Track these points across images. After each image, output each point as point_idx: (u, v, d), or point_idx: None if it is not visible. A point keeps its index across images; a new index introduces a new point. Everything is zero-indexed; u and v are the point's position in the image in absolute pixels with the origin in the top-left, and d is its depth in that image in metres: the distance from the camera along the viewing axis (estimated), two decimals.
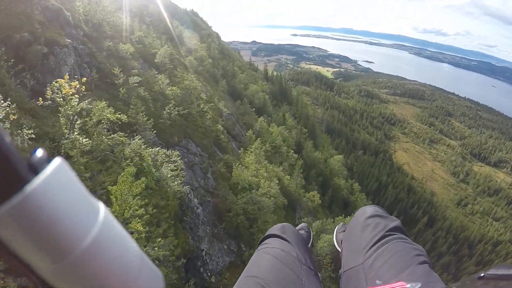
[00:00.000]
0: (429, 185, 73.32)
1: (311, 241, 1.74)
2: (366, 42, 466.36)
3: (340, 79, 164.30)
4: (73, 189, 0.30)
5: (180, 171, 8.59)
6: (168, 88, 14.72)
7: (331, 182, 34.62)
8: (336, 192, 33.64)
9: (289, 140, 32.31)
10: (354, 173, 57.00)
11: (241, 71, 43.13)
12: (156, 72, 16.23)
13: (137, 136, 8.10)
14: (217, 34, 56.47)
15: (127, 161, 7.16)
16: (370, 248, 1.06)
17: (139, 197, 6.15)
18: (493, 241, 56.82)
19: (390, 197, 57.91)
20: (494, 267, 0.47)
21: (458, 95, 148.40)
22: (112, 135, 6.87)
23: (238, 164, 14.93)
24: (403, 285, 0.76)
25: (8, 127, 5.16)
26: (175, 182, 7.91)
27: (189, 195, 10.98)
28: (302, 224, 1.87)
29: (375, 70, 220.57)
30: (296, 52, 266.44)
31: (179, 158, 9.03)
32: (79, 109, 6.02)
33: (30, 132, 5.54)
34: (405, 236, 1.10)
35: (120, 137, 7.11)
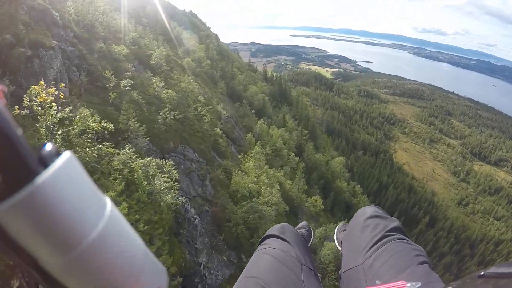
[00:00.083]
0: (429, 185, 72.97)
1: (311, 240, 1.72)
2: (365, 42, 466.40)
3: (339, 79, 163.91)
4: (81, 183, 0.30)
5: (174, 183, 7.93)
6: (164, 91, 14.06)
7: (332, 185, 34.04)
8: (338, 195, 33.06)
9: (290, 142, 31.68)
10: (355, 173, 56.57)
11: (240, 72, 42.52)
12: (152, 74, 15.58)
13: (127, 145, 7.44)
14: (216, 35, 55.88)
15: (116, 174, 6.52)
16: (370, 248, 1.05)
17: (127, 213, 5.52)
18: (495, 240, 56.62)
19: (391, 197, 57.49)
20: (494, 266, 0.47)
21: (457, 94, 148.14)
22: (98, 146, 6.22)
23: (238, 170, 14.27)
24: (403, 285, 0.76)
25: None
26: (169, 196, 7.27)
27: (185, 205, 10.34)
28: (303, 223, 1.85)
29: (375, 70, 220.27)
30: (295, 53, 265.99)
31: (173, 168, 8.37)
32: (58, 118, 5.39)
33: None
34: (404, 237, 1.09)
35: (107, 147, 6.45)
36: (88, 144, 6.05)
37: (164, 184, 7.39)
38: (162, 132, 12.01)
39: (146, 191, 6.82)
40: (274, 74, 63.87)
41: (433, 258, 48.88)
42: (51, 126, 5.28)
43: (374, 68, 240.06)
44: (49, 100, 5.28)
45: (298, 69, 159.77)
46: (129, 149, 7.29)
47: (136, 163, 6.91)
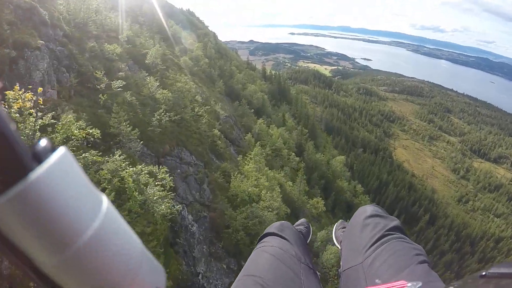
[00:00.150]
0: (429, 182, 72.94)
1: (310, 237, 1.71)
2: (364, 40, 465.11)
3: (338, 77, 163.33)
4: (77, 179, 0.29)
5: (168, 192, 7.42)
6: (159, 92, 13.51)
7: (333, 184, 33.64)
8: (339, 195, 32.72)
9: (290, 142, 31.20)
10: (355, 171, 56.30)
11: (239, 70, 41.90)
12: (147, 74, 15.02)
13: (117, 152, 6.92)
14: (214, 33, 55.13)
15: (104, 184, 6.02)
16: (370, 247, 1.05)
17: None
18: (495, 237, 56.76)
19: (391, 195, 57.34)
20: (495, 266, 0.47)
21: (456, 91, 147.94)
22: (84, 154, 5.71)
23: (237, 173, 13.77)
24: (403, 284, 0.76)
25: None
26: (163, 206, 6.76)
27: (182, 212, 9.86)
28: (302, 220, 1.83)
29: (373, 68, 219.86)
30: (294, 51, 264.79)
31: (167, 175, 7.86)
32: (37, 126, 4.89)
33: None
34: (404, 236, 1.09)
35: (94, 155, 5.94)
36: (73, 152, 5.55)
37: (158, 193, 6.89)
38: (157, 134, 11.49)
39: (138, 201, 6.34)
40: (273, 72, 63.34)
41: (434, 256, 48.83)
42: (31, 135, 4.78)
43: (373, 65, 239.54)
44: (27, 106, 4.79)
45: (297, 67, 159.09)
46: (119, 156, 6.78)
47: (126, 172, 6.39)
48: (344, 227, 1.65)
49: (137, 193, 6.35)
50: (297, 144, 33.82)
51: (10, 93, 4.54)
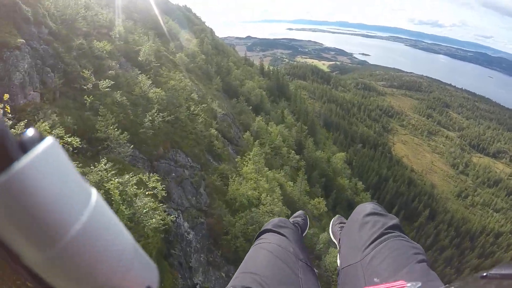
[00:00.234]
0: (429, 178, 72.84)
1: (307, 229, 1.71)
2: (362, 35, 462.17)
3: (336, 72, 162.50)
4: (64, 170, 0.28)
5: (160, 203, 6.80)
6: (152, 90, 12.82)
7: (334, 182, 33.12)
8: (340, 193, 32.23)
9: (289, 139, 30.57)
10: (354, 167, 55.87)
11: (236, 66, 41.06)
12: (139, 71, 14.31)
13: (102, 160, 6.29)
14: (211, 29, 54.15)
15: None
16: (369, 245, 1.05)
17: None
18: (494, 232, 56.80)
19: (391, 190, 57.12)
20: (497, 267, 0.47)
21: (455, 86, 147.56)
22: None
23: (235, 176, 13.17)
24: (403, 285, 0.76)
25: None
26: (153, 220, 6.16)
27: (177, 220, 9.28)
28: (299, 212, 1.84)
29: (372, 63, 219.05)
30: (292, 46, 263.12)
31: (159, 183, 7.24)
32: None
33: None
34: (403, 235, 1.09)
35: (75, 165, 5.34)
36: None
37: (149, 204, 6.29)
38: (150, 136, 10.83)
39: (126, 216, 5.74)
40: (271, 68, 62.49)
41: (434, 252, 48.80)
42: None
43: (371, 60, 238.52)
44: None
45: (295, 63, 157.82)
46: (105, 164, 6.16)
47: (112, 184, 5.77)
48: (341, 222, 1.63)
49: (124, 206, 5.75)
50: (296, 141, 33.21)
51: None
